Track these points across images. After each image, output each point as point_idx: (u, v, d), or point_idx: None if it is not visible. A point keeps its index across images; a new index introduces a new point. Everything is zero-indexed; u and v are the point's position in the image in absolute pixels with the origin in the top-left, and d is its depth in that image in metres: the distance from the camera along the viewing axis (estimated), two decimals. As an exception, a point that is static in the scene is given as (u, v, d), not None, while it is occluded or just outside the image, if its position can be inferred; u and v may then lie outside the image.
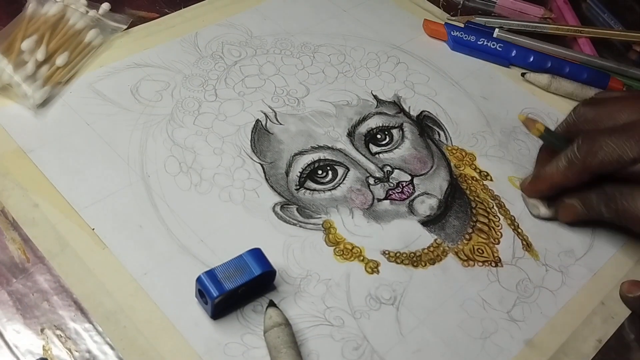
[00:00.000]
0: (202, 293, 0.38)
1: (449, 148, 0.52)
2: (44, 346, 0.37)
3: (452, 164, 0.51)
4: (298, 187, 0.47)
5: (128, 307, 0.39)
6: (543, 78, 0.58)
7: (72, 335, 0.37)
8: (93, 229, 0.42)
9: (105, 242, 0.42)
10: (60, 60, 0.51)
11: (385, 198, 0.47)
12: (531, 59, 0.60)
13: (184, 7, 0.61)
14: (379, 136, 0.52)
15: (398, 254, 0.44)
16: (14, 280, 0.39)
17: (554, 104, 0.57)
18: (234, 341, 0.38)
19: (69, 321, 0.38)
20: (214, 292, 0.37)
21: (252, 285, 0.39)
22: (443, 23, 0.62)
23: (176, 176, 0.46)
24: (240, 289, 0.39)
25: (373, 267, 0.43)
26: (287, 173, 0.48)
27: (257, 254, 0.40)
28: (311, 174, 0.48)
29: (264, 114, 0.52)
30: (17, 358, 0.36)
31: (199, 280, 0.38)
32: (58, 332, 0.37)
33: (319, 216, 0.46)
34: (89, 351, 0.37)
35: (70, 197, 0.44)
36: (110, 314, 0.38)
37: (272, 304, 0.39)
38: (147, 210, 0.44)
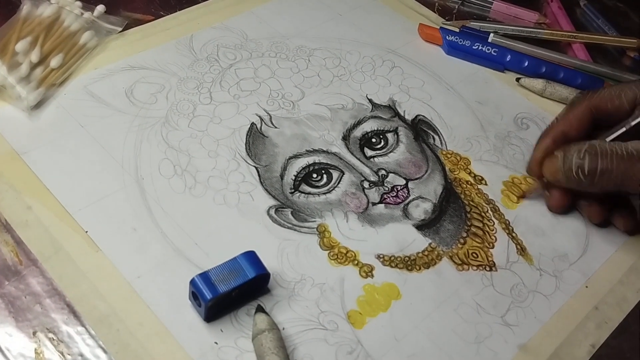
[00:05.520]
0: (195, 296, 0.38)
1: (444, 152, 0.52)
2: (36, 349, 0.36)
3: (446, 168, 0.51)
4: (293, 190, 0.47)
5: (121, 310, 0.39)
6: (538, 83, 0.58)
7: (64, 339, 0.37)
8: (86, 232, 0.42)
9: (99, 245, 0.41)
10: (54, 62, 0.50)
11: (380, 202, 0.47)
12: (526, 64, 0.60)
13: (179, 10, 0.61)
14: (373, 140, 0.52)
15: (392, 258, 0.44)
16: (6, 283, 0.39)
17: (548, 109, 0.58)
18: (228, 345, 0.38)
19: (61, 324, 0.38)
20: (208, 295, 0.37)
21: (246, 288, 0.39)
22: (438, 27, 0.62)
23: (170, 179, 0.46)
24: (234, 292, 0.38)
25: (367, 271, 0.43)
26: (281, 176, 0.48)
27: (251, 257, 0.39)
28: (306, 177, 0.48)
29: (259, 117, 0.52)
30: (9, 361, 0.36)
31: (192, 282, 0.38)
32: (50, 335, 0.37)
33: (313, 220, 0.46)
34: (81, 355, 0.37)
35: (63, 200, 0.43)
36: (103, 317, 0.38)
37: (258, 309, 0.39)
38: (141, 213, 0.44)
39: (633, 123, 0.44)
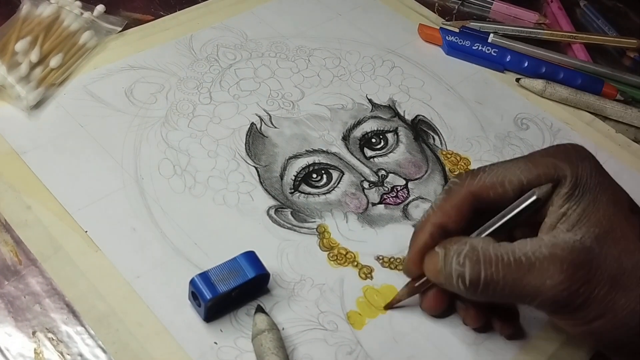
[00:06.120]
0: (195, 296, 0.38)
1: (444, 152, 0.52)
2: (35, 349, 0.36)
3: (446, 169, 0.51)
4: (292, 190, 0.47)
5: (121, 310, 0.39)
6: (537, 84, 0.58)
7: (63, 339, 0.37)
8: (86, 232, 0.42)
9: (98, 245, 0.41)
10: (54, 61, 0.50)
11: (380, 202, 0.47)
12: (526, 64, 0.60)
13: (178, 10, 0.60)
14: (373, 140, 0.52)
15: (392, 260, 0.44)
16: (5, 283, 0.39)
17: (548, 109, 0.58)
18: (228, 345, 0.38)
19: (60, 324, 0.38)
20: (207, 295, 0.37)
21: (245, 288, 0.39)
22: (438, 28, 0.62)
23: (170, 179, 0.46)
24: (233, 292, 0.38)
25: (367, 273, 0.43)
26: (281, 176, 0.48)
27: (251, 257, 0.39)
28: (306, 177, 0.48)
29: (259, 117, 0.52)
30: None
31: (192, 282, 0.38)
32: (50, 335, 0.37)
33: (313, 220, 0.46)
34: (80, 354, 0.37)
35: (63, 200, 0.43)
36: (102, 317, 0.38)
37: (258, 309, 0.39)
38: (140, 213, 0.44)
39: (506, 218, 0.37)
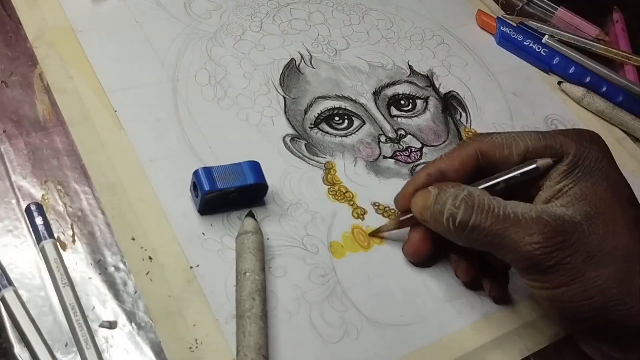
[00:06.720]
0: (195, 186, 0.41)
1: (467, 129, 0.54)
2: (43, 195, 0.40)
3: (464, 144, 0.52)
4: (312, 126, 0.49)
5: (128, 183, 0.42)
6: (578, 90, 0.59)
7: (70, 193, 0.40)
8: (115, 111, 0.45)
9: (123, 125, 0.45)
10: (127, -41, 0.54)
11: (391, 157, 0.49)
12: (571, 70, 0.60)
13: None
14: (402, 102, 0.53)
15: (387, 209, 0.46)
16: (33, 134, 0.43)
17: (581, 117, 0.58)
18: (214, 238, 0.41)
19: (71, 181, 0.41)
20: (206, 187, 0.40)
21: (243, 192, 0.41)
22: (496, 17, 0.63)
23: (203, 87, 0.49)
24: (231, 193, 0.41)
25: (360, 214, 0.45)
26: (305, 111, 0.50)
27: (255, 166, 0.42)
28: (328, 118, 0.50)
29: (300, 54, 0.54)
30: (17, 198, 0.39)
31: (195, 173, 0.41)
32: (59, 187, 0.41)
33: (324, 156, 0.48)
34: (81, 210, 0.40)
35: (103, 79, 0.47)
36: (110, 184, 0.41)
37: (249, 214, 0.41)
38: (168, 108, 0.47)
39: (503, 177, 0.39)
